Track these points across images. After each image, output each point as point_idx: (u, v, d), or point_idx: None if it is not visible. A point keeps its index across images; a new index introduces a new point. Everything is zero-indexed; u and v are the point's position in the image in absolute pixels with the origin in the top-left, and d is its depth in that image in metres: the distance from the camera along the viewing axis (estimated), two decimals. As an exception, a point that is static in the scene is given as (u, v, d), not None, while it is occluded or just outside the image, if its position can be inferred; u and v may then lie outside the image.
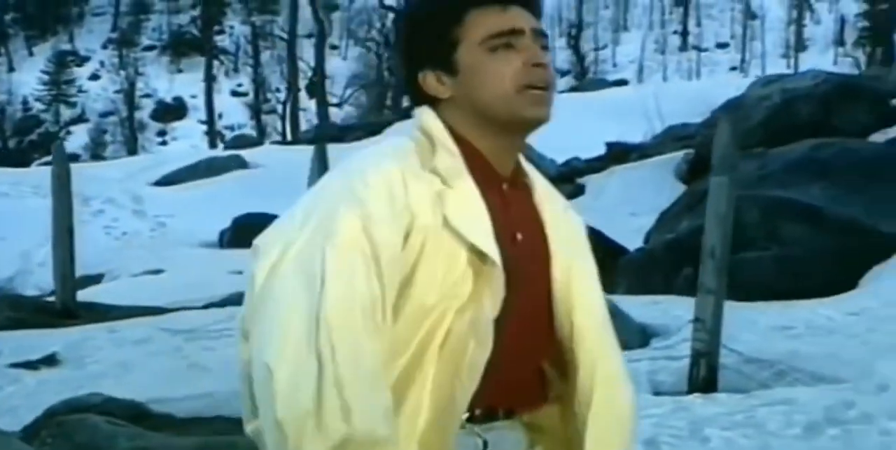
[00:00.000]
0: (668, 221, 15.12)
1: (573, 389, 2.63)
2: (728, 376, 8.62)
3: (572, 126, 23.63)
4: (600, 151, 27.83)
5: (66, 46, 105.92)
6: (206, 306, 13.59)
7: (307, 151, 33.25)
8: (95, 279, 19.39)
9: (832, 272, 11.38)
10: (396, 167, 2.48)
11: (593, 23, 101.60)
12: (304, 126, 67.40)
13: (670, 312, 10.90)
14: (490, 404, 2.57)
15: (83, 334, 11.54)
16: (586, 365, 2.61)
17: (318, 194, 2.53)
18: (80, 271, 19.49)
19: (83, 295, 15.31)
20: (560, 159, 26.58)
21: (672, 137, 26.52)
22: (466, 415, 2.52)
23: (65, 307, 13.06)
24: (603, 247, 12.36)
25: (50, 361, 10.73)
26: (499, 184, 2.60)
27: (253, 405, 2.51)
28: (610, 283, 11.48)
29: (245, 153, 32.04)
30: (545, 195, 2.70)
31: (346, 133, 39.21)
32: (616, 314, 9.71)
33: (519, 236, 2.58)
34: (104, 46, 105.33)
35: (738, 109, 21.24)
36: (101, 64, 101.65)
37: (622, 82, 56.18)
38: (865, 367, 8.48)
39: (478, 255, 2.47)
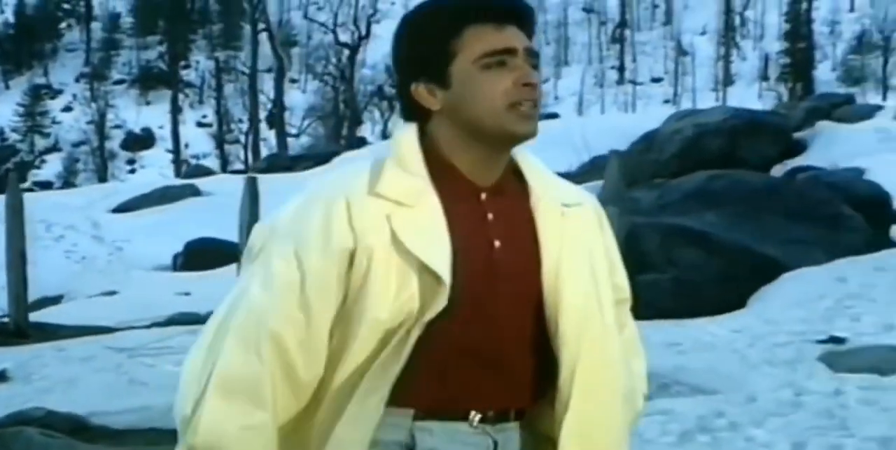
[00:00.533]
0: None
1: (555, 391, 2.55)
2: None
3: None
4: (531, 178, 27.53)
5: (41, 80, 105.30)
6: (149, 326, 13.55)
7: (281, 178, 33.36)
8: (55, 301, 19.20)
9: (723, 293, 11.48)
10: (342, 196, 2.45)
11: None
12: (264, 154, 67.04)
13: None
14: (503, 405, 2.54)
15: (32, 353, 11.63)
16: (566, 369, 2.52)
17: (275, 219, 2.53)
18: (40, 293, 19.54)
19: (42, 316, 15.35)
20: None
21: (597, 167, 26.34)
22: (479, 416, 2.50)
23: (17, 327, 13.06)
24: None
25: (0, 377, 10.79)
26: (475, 194, 2.55)
27: None
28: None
29: (199, 182, 31.82)
30: (544, 197, 2.60)
31: (297, 163, 39.36)
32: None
33: (497, 243, 2.52)
34: (76, 80, 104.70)
35: (653, 142, 21.49)
36: (74, 96, 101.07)
37: (553, 115, 56.45)
38: (739, 379, 8.61)
39: (430, 270, 2.42)
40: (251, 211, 10.55)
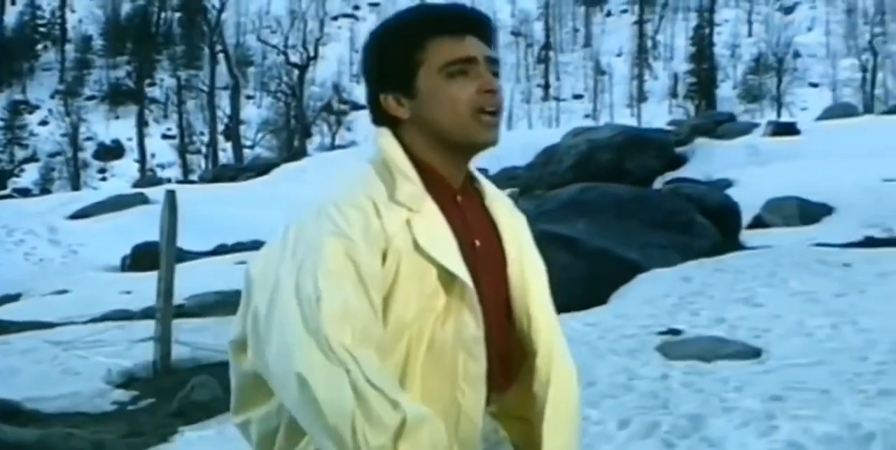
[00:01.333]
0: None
1: (532, 372, 2.52)
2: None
3: None
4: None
5: (19, 96, 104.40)
6: (88, 321, 13.59)
7: (203, 189, 33.41)
8: (14, 298, 19.31)
9: (588, 292, 11.62)
10: (367, 198, 2.38)
11: None
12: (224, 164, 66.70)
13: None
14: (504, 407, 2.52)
15: (-21, 346, 11.68)
16: (544, 351, 2.51)
17: (298, 228, 2.40)
18: (3, 291, 19.64)
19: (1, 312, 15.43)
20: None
21: (505, 177, 26.69)
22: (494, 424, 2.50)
23: (-28, 322, 13.15)
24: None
25: (-53, 369, 10.84)
26: (453, 196, 2.51)
27: (242, 400, 2.54)
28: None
29: (149, 191, 31.29)
30: (494, 198, 2.59)
31: (240, 173, 39.24)
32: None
33: (477, 243, 2.49)
34: (52, 96, 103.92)
35: (552, 155, 21.76)
36: (50, 111, 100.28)
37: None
38: (585, 367, 8.83)
39: (447, 273, 2.38)
40: (170, 220, 10.75)
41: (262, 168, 37.69)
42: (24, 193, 77.85)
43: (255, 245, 20.57)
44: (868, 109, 69.08)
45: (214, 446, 7.57)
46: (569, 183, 17.51)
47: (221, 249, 21.91)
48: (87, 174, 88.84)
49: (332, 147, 72.62)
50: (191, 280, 16.05)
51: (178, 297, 14.11)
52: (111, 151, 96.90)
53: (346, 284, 2.30)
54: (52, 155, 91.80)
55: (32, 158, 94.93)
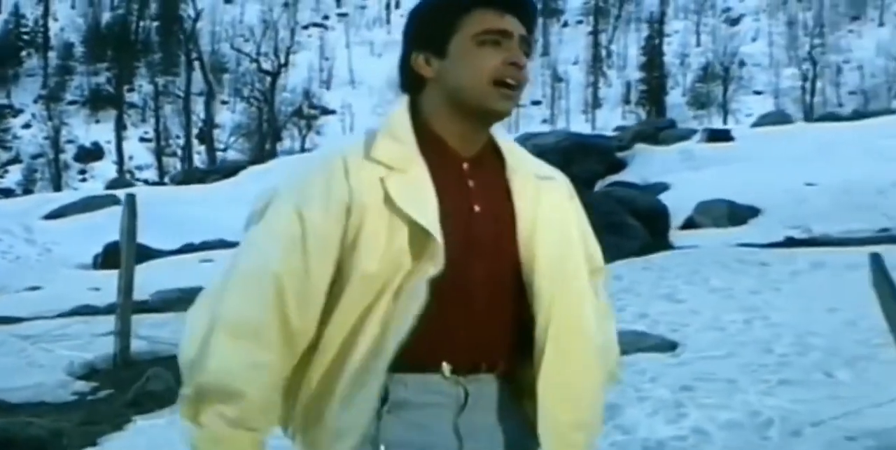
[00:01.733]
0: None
1: (533, 341, 2.42)
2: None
3: None
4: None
5: (4, 101, 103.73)
6: (55, 316, 13.58)
7: (173, 190, 33.23)
8: (-11, 295, 19.18)
9: None
10: (340, 156, 2.36)
11: None
12: (198, 166, 66.56)
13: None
14: (473, 359, 2.39)
15: (-51, 339, 11.55)
16: (542, 319, 2.39)
17: (277, 185, 2.43)
18: (-20, 288, 19.52)
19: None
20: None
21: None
22: (450, 367, 2.36)
23: (-54, 318, 13.06)
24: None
25: (-81, 361, 10.77)
26: (458, 163, 2.44)
27: None
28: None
29: (120, 193, 31.00)
30: (517, 169, 2.48)
31: (209, 175, 38.94)
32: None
33: (477, 208, 2.41)
34: (35, 101, 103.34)
35: None
36: (33, 115, 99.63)
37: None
38: None
39: (420, 229, 2.31)
40: (129, 221, 10.81)
41: (229, 170, 37.49)
42: (7, 193, 77.69)
43: (221, 244, 20.61)
44: (808, 116, 69.68)
45: (163, 433, 7.62)
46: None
47: (188, 248, 21.74)
48: (67, 175, 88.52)
49: (303, 150, 72.52)
50: (157, 277, 16.16)
51: (144, 293, 14.17)
52: (91, 154, 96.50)
53: (277, 244, 2.32)
54: (35, 157, 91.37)
55: (16, 160, 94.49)
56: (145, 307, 13.05)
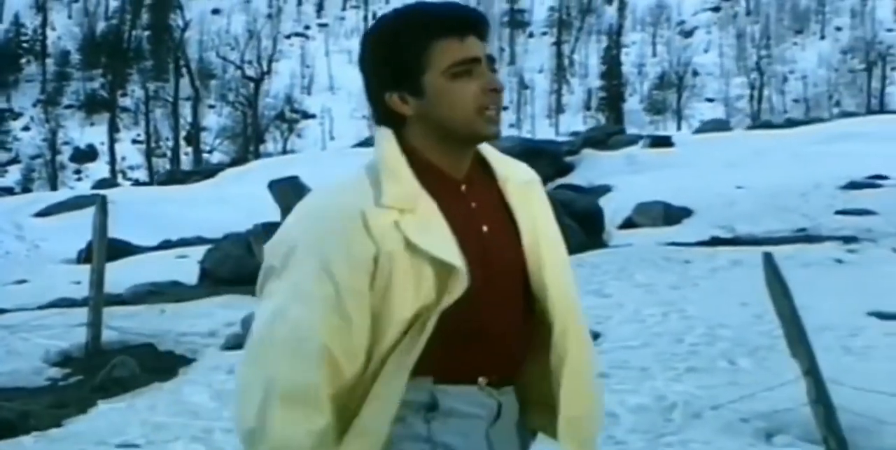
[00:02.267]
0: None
1: (548, 347, 2.37)
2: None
3: (341, 171, 23.93)
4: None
5: (4, 105, 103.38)
6: (36, 308, 13.54)
7: (157, 190, 33.13)
8: (-19, 288, 19.11)
9: None
10: (354, 208, 2.23)
11: None
12: (185, 167, 66.35)
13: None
14: (503, 372, 2.36)
15: (-65, 329, 11.61)
16: (559, 326, 2.34)
17: (289, 236, 2.29)
18: (-26, 282, 19.38)
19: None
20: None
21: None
22: (485, 380, 2.32)
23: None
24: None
25: None
26: (456, 187, 2.34)
27: None
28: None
29: (105, 192, 30.84)
30: (507, 179, 2.41)
31: (188, 176, 38.64)
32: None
33: (485, 228, 2.33)
34: (34, 105, 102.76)
35: None
36: (32, 118, 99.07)
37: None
38: None
39: (443, 265, 2.22)
40: (101, 221, 10.94)
41: (210, 171, 37.14)
42: (7, 191, 77.38)
43: (197, 241, 20.63)
44: (755, 122, 69.87)
45: (122, 415, 7.75)
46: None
47: (166, 244, 21.66)
48: (64, 175, 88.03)
49: (284, 152, 72.45)
50: (134, 272, 16.12)
51: (120, 287, 14.23)
52: (86, 155, 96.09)
53: (316, 304, 2.20)
54: (33, 157, 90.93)
55: (15, 160, 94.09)
56: (119, 300, 13.08)
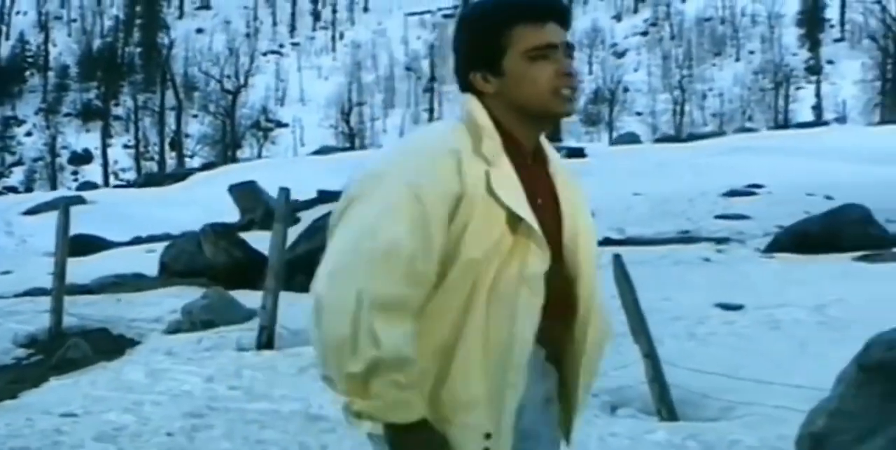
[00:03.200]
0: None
1: (575, 316, 2.32)
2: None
3: (299, 177, 24.10)
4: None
5: (10, 113, 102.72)
6: (12, 296, 13.61)
7: (134, 192, 32.92)
8: (-27, 278, 19.05)
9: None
10: (454, 148, 2.20)
11: (365, 103, 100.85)
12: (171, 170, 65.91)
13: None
14: (556, 342, 2.32)
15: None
16: (585, 298, 2.31)
17: (378, 168, 2.22)
18: (-32, 274, 19.29)
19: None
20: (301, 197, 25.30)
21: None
22: (544, 352, 2.28)
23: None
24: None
25: None
26: (525, 159, 2.31)
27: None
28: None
29: (87, 194, 31.08)
30: (557, 166, 2.39)
31: (164, 179, 38.27)
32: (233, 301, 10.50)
33: (539, 201, 2.29)
34: (36, 113, 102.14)
35: None
36: (34, 125, 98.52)
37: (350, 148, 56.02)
38: None
39: (515, 218, 2.18)
40: (64, 222, 11.11)
41: (182, 175, 36.97)
42: (12, 190, 76.92)
43: (164, 237, 20.56)
44: (678, 134, 70.40)
45: (68, 390, 7.89)
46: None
47: (136, 241, 21.55)
48: (62, 176, 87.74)
49: (259, 157, 72.38)
50: (104, 265, 16.30)
51: (87, 278, 14.43)
52: (82, 158, 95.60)
53: (403, 225, 2.13)
54: (35, 160, 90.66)
55: (19, 163, 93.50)
56: (86, 290, 13.21)
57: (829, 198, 17.24)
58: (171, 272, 14.56)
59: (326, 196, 26.06)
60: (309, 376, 7.66)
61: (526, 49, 2.25)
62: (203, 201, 25.08)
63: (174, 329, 10.00)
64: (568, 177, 2.39)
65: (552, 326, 2.26)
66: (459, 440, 2.19)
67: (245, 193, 21.46)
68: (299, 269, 12.59)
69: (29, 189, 78.07)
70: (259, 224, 19.20)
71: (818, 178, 19.68)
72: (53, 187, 73.28)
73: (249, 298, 10.27)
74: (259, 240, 15.14)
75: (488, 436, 2.18)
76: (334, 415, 6.49)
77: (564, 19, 2.31)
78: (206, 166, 38.68)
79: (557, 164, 2.39)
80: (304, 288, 8.97)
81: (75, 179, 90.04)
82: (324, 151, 51.79)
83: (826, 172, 20.60)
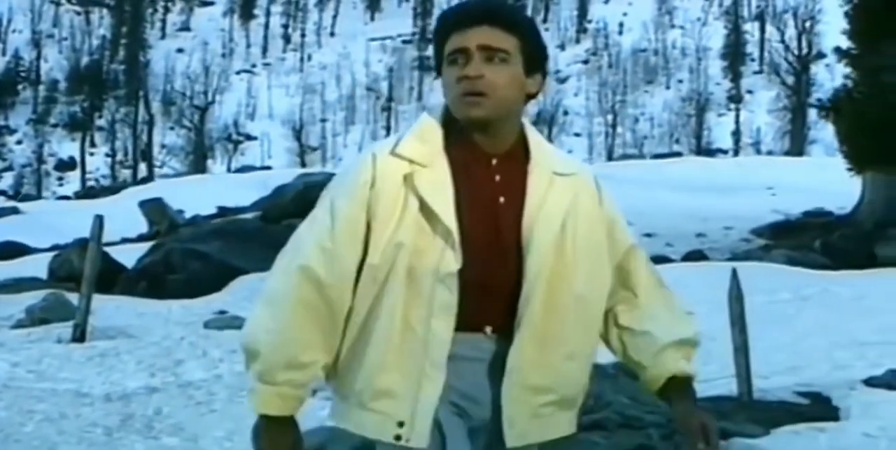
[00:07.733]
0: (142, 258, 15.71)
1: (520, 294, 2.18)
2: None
3: (215, 192, 24.79)
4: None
5: (2, 123, 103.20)
6: None
7: (70, 203, 32.02)
8: None
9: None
10: (369, 152, 2.18)
11: (328, 119, 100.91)
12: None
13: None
14: (501, 322, 2.19)
15: None
16: (526, 290, 2.15)
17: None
18: None
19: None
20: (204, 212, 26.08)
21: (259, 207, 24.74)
22: (490, 328, 2.18)
23: None
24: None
25: None
26: (487, 160, 2.20)
27: None
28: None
29: (22, 205, 31.43)
30: (537, 165, 2.22)
31: (102, 192, 37.48)
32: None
33: (502, 199, 2.18)
34: (26, 123, 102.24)
35: (284, 190, 22.04)
36: (25, 134, 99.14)
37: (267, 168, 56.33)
38: None
39: (434, 217, 2.11)
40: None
41: (117, 189, 36.40)
42: (2, 193, 77.61)
43: (78, 243, 21.33)
44: (610, 154, 71.59)
45: None
46: (292, 214, 17.54)
47: (55, 247, 21.32)
48: (48, 181, 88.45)
49: (229, 169, 73.30)
50: (18, 269, 17.00)
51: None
52: (67, 165, 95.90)
53: (314, 231, 2.15)
54: (24, 166, 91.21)
55: (9, 168, 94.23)
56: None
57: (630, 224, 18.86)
58: (57, 278, 15.80)
59: (226, 211, 27.17)
60: (94, 362, 8.40)
61: (445, 56, 2.20)
62: (122, 213, 25.96)
63: (17, 325, 10.68)
64: (549, 176, 2.24)
65: (495, 306, 2.18)
66: (374, 427, 2.15)
67: (153, 208, 22.79)
68: (144, 277, 14.49)
69: (17, 193, 78.90)
70: (164, 235, 20.36)
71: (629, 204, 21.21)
72: (39, 192, 74.21)
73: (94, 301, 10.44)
74: (123, 253, 16.51)
75: (401, 424, 2.12)
76: (98, 393, 7.54)
77: (497, 20, 2.18)
78: (141, 181, 39.16)
79: (538, 163, 2.24)
80: (147, 293, 12.12)
81: (60, 184, 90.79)
82: (242, 170, 51.69)
83: (646, 200, 22.16)
